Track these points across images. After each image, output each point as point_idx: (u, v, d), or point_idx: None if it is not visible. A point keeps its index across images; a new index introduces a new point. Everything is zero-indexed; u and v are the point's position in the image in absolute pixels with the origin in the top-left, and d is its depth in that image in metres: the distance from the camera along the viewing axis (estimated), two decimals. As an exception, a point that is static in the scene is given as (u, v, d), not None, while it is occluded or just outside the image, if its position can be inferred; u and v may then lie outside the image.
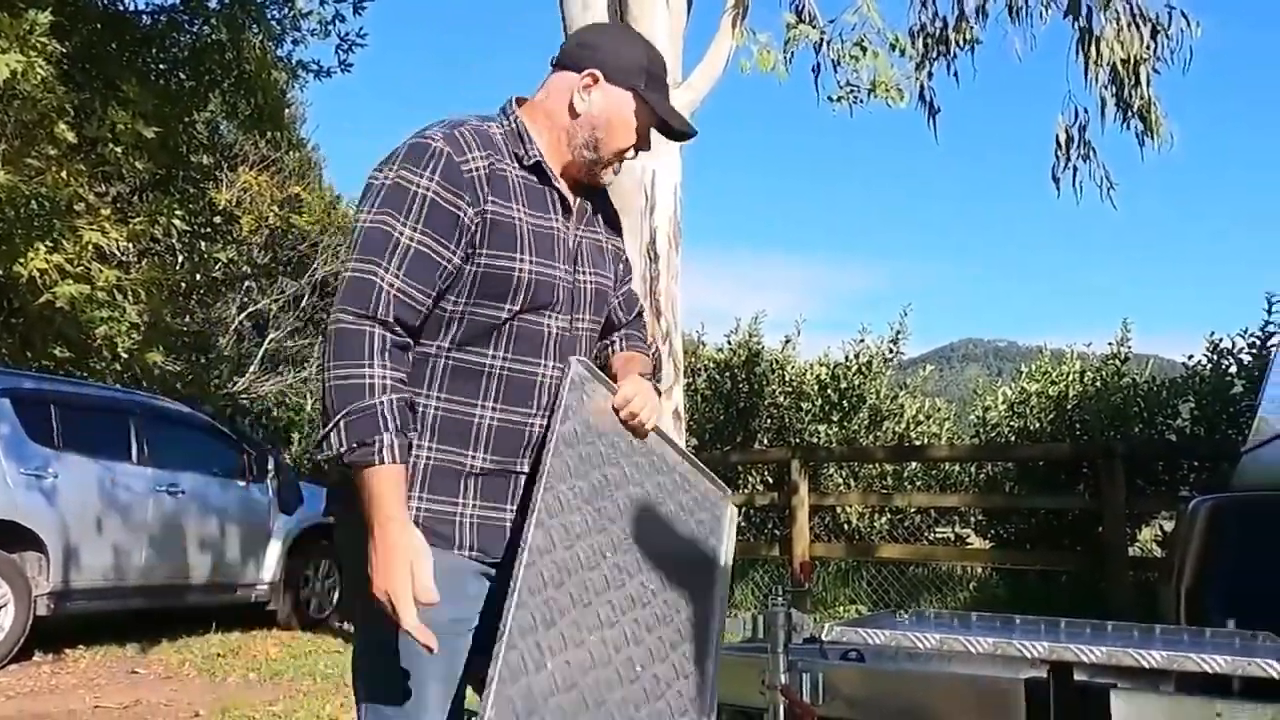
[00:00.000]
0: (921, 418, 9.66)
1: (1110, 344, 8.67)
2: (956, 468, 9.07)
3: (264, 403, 17.30)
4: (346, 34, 10.94)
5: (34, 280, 8.43)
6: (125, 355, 10.10)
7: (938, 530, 9.43)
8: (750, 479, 9.83)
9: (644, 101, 1.76)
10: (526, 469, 1.71)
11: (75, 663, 6.49)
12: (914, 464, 9.13)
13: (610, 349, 1.96)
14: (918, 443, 9.42)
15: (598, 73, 1.75)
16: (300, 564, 7.98)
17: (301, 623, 7.86)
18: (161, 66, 10.87)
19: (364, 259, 1.59)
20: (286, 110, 12.41)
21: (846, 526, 9.18)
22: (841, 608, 7.87)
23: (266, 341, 17.01)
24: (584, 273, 1.79)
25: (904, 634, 1.10)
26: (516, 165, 1.72)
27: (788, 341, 10.34)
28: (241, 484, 7.76)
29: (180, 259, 12.39)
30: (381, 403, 1.52)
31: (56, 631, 6.66)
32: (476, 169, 1.65)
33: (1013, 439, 8.58)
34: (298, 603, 7.95)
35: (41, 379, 7.27)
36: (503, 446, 1.69)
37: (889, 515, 9.02)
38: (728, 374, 10.17)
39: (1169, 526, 7.94)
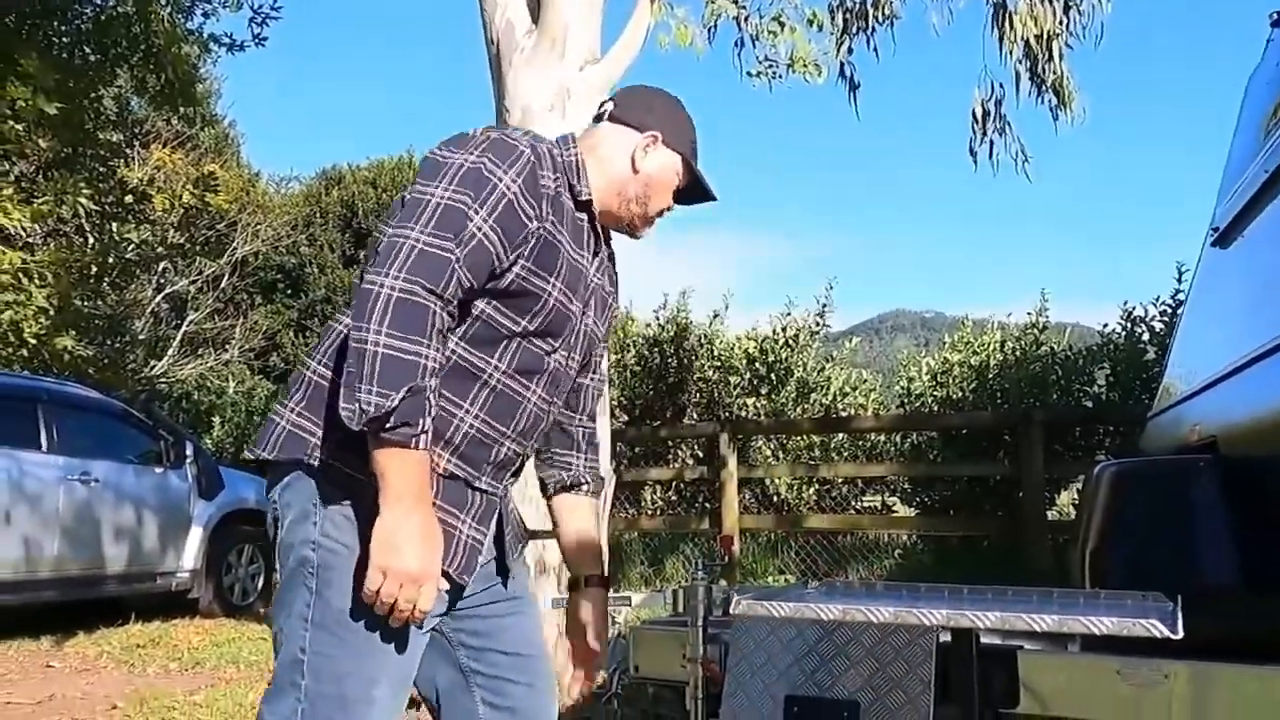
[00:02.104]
0: (848, 389, 9.77)
1: (1029, 314, 8.85)
2: (882, 438, 9.20)
3: (184, 387, 16.89)
4: (259, 6, 10.63)
5: (-68, 264, 8.12)
6: (33, 341, 9.78)
7: (865, 500, 9.57)
8: (680, 453, 9.87)
9: (689, 168, 1.87)
10: (485, 486, 1.70)
11: (-14, 658, 6.30)
12: (841, 435, 9.24)
13: (571, 471, 1.98)
14: (844, 414, 9.53)
15: (659, 135, 1.83)
16: (222, 550, 7.84)
17: (224, 610, 7.72)
18: (65, 40, 10.47)
19: (440, 234, 1.53)
20: (199, 85, 12.06)
21: (775, 498, 9.27)
22: (770, 578, 7.95)
23: (185, 324, 16.59)
24: (589, 317, 1.82)
25: (808, 605, 1.10)
26: (570, 197, 1.74)
27: (716, 316, 10.36)
28: (159, 470, 7.57)
29: (90, 240, 12.00)
30: (430, 387, 1.50)
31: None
32: (549, 187, 1.67)
33: (936, 408, 8.72)
34: (220, 589, 7.81)
35: (-57, 366, 6.99)
36: (471, 456, 1.67)
37: (817, 486, 9.13)
38: (656, 349, 10.16)
39: (1086, 491, 8.17)
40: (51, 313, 9.71)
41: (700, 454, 9.63)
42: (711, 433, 8.40)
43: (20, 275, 9.20)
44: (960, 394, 8.66)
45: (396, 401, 1.45)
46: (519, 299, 1.65)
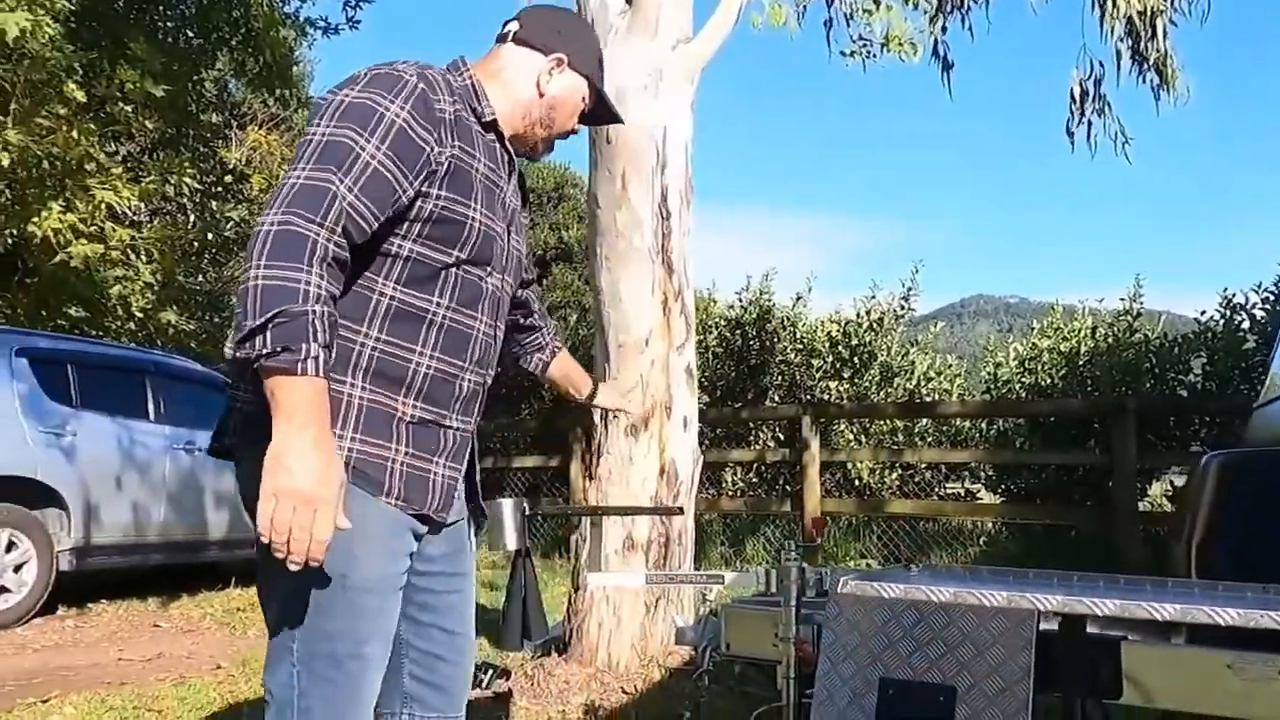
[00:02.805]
0: (932, 374, 9.65)
1: (1122, 300, 8.63)
2: (967, 424, 9.08)
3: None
4: (354, -10, 10.86)
5: (48, 240, 8.47)
6: (139, 315, 10.18)
7: (948, 486, 9.46)
8: (762, 434, 9.87)
9: (595, 91, 1.89)
10: (455, 424, 1.73)
11: (98, 616, 6.61)
12: (925, 420, 9.14)
13: (542, 343, 2.20)
14: (928, 399, 9.43)
15: (565, 57, 1.84)
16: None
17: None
18: (169, 24, 10.82)
19: (320, 168, 1.50)
20: (294, 68, 12.33)
21: (857, 482, 9.22)
22: (852, 562, 7.93)
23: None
24: (514, 237, 1.88)
25: (916, 587, 1.12)
26: (474, 120, 1.76)
27: (799, 299, 10.32)
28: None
29: (191, 218, 12.41)
30: (313, 311, 1.43)
31: (80, 587, 6.78)
32: (446, 111, 1.66)
33: (1024, 395, 8.58)
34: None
35: (58, 339, 7.33)
36: (435, 397, 1.69)
37: (899, 471, 9.05)
38: (739, 331, 10.17)
39: (1179, 482, 7.97)
40: (157, 288, 10.10)
41: (781, 436, 9.63)
42: (794, 415, 8.39)
43: (129, 251, 9.57)
44: (1049, 381, 8.50)
45: (262, 321, 1.40)
46: (444, 229, 1.65)
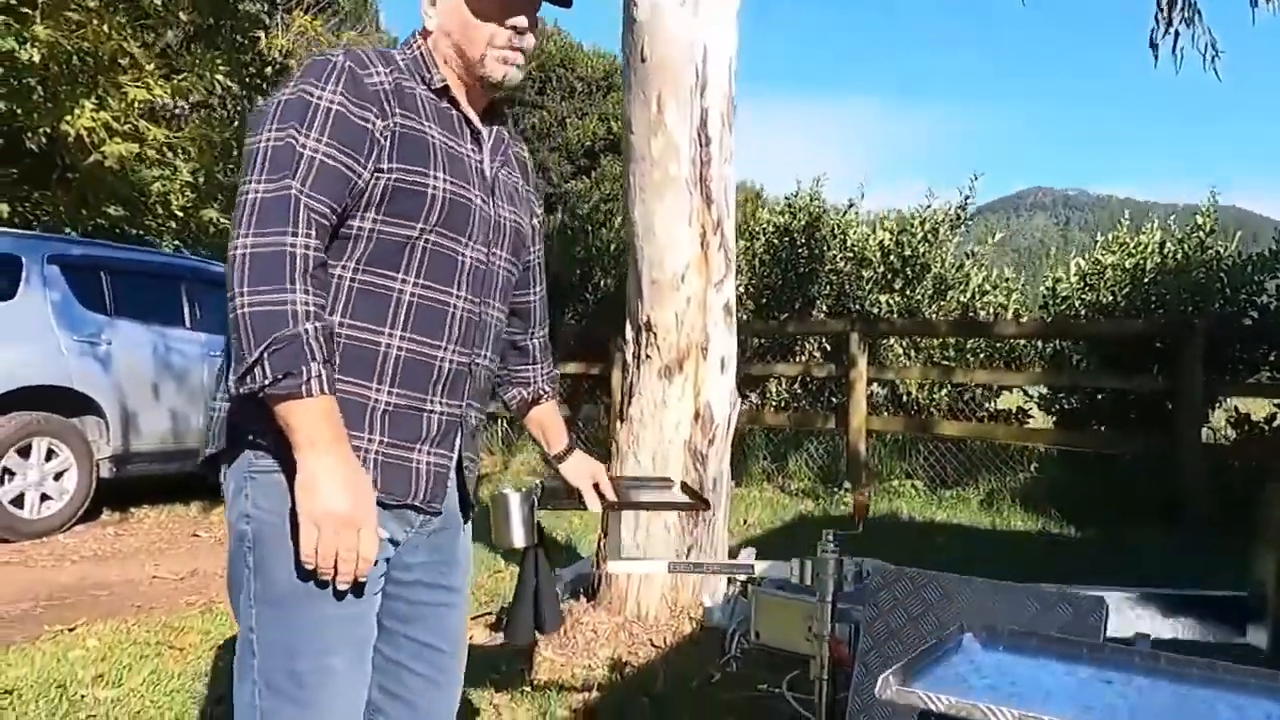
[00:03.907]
0: (988, 287, 9.28)
1: (1199, 215, 8.14)
2: (1022, 340, 8.75)
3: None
4: None
5: (81, 139, 8.32)
6: (180, 213, 10.08)
7: (999, 402, 9.18)
8: (808, 345, 9.64)
9: None
10: (440, 408, 1.62)
11: (139, 524, 6.67)
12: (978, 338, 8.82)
13: (528, 377, 1.97)
14: (983, 313, 9.09)
15: None
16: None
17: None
18: (201, -93, 10.41)
19: (274, 177, 1.45)
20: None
21: (905, 398, 8.98)
22: (897, 481, 7.75)
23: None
24: (501, 206, 1.71)
25: (974, 705, 0.91)
26: (424, 88, 1.63)
27: (850, 206, 9.93)
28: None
29: (232, 113, 12.18)
30: (307, 330, 1.40)
31: (123, 491, 6.82)
32: (381, 82, 1.56)
33: (1084, 313, 8.21)
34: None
35: (90, 245, 7.22)
36: (411, 381, 1.58)
37: (949, 387, 8.79)
38: (787, 238, 9.84)
39: (1243, 408, 7.64)
40: (197, 186, 9.98)
41: (829, 347, 9.38)
42: (842, 330, 8.12)
43: (165, 150, 9.41)
44: (1111, 299, 8.12)
45: (259, 353, 1.38)
46: (403, 202, 1.55)
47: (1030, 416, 9.06)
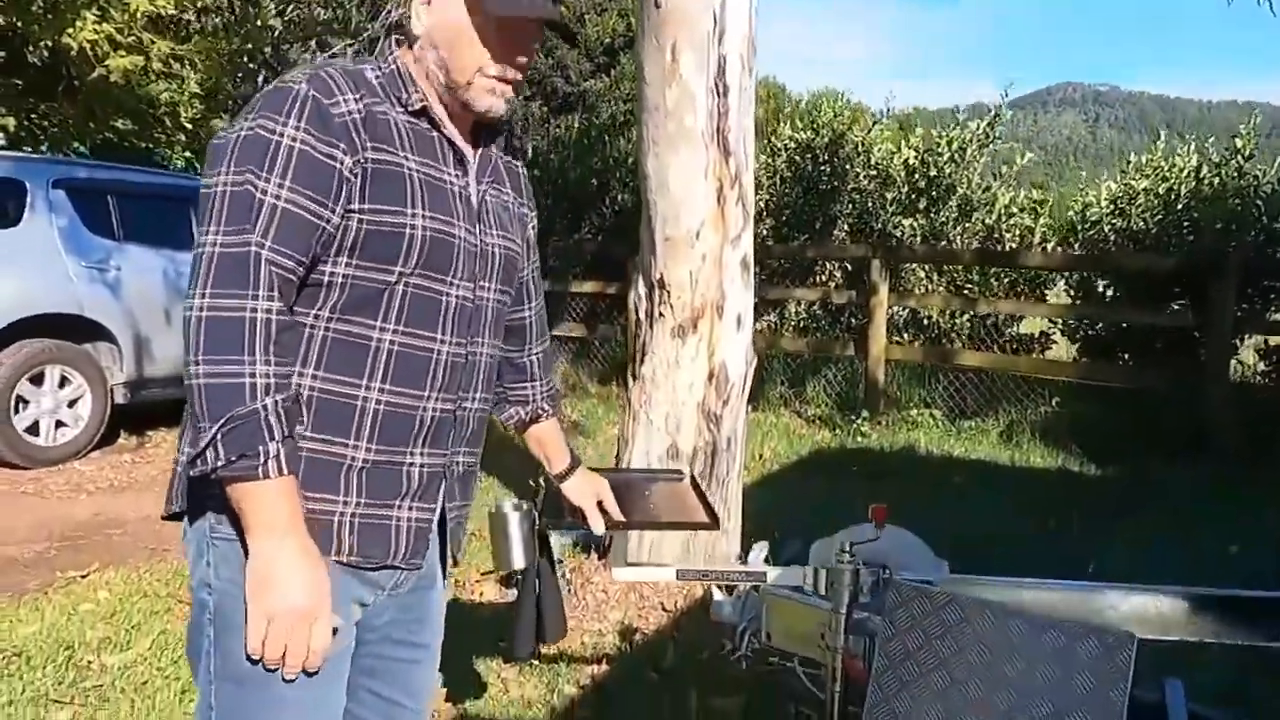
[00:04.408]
0: (1014, 210, 9.02)
1: (1238, 136, 7.83)
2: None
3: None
4: None
5: (85, 51, 8.11)
6: (189, 125, 9.89)
7: (1022, 327, 9.01)
8: (828, 267, 9.45)
9: (478, 5, 1.46)
10: (420, 460, 1.50)
11: (156, 448, 6.69)
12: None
13: (527, 396, 1.85)
14: (1008, 235, 8.85)
15: None
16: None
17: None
18: None
19: (231, 229, 1.31)
20: None
21: (926, 322, 8.83)
22: (915, 411, 7.65)
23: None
24: (489, 234, 1.56)
25: None
26: (400, 110, 1.46)
27: (875, 123, 9.62)
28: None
29: (239, 18, 11.85)
30: (265, 406, 1.29)
31: (140, 416, 6.81)
32: (350, 112, 1.40)
33: (1113, 239, 7.99)
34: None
35: (95, 167, 7.07)
36: (390, 435, 1.46)
37: (971, 314, 8.62)
38: (808, 155, 9.57)
39: (1273, 340, 7.46)
40: (205, 97, 9.77)
41: (849, 268, 9.20)
42: (863, 255, 7.94)
43: (172, 61, 9.18)
44: (1143, 225, 7.88)
45: (213, 433, 1.27)
46: (379, 245, 1.41)
47: (1054, 342, 8.91)
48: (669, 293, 3.55)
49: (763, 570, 2.11)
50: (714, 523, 1.90)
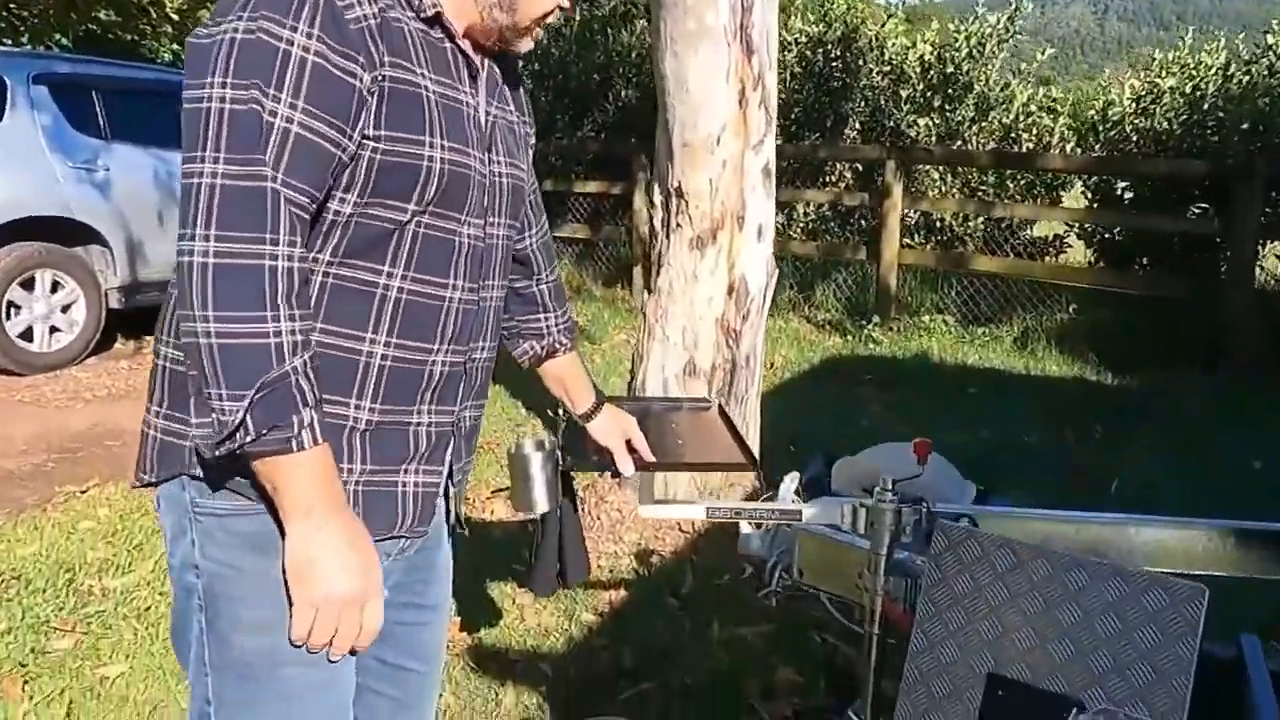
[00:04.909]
0: (1032, 108, 8.72)
1: (1269, 32, 7.50)
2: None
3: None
4: None
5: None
6: (175, 15, 9.52)
7: (1036, 230, 8.79)
8: (838, 167, 9.20)
9: None
10: (428, 419, 1.34)
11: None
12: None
13: (541, 329, 1.67)
14: (1025, 134, 8.58)
15: None
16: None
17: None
18: None
19: (239, 158, 1.10)
20: None
21: (939, 224, 8.61)
22: (928, 317, 7.50)
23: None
24: (499, 163, 1.37)
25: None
26: (411, 15, 1.24)
27: (890, 17, 9.24)
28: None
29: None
30: (294, 368, 1.12)
31: (137, 321, 6.65)
32: (365, 16, 1.17)
33: (1136, 140, 7.72)
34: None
35: (78, 61, 6.76)
36: (397, 393, 1.29)
37: (986, 217, 8.40)
38: (820, 50, 9.22)
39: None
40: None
41: (860, 169, 8.95)
42: (876, 157, 7.69)
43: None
44: (1166, 125, 7.61)
45: (244, 405, 1.08)
46: (392, 179, 1.21)
47: (1069, 246, 8.71)
48: (687, 202, 3.36)
49: (798, 509, 1.98)
50: (751, 463, 1.76)
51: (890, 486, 1.94)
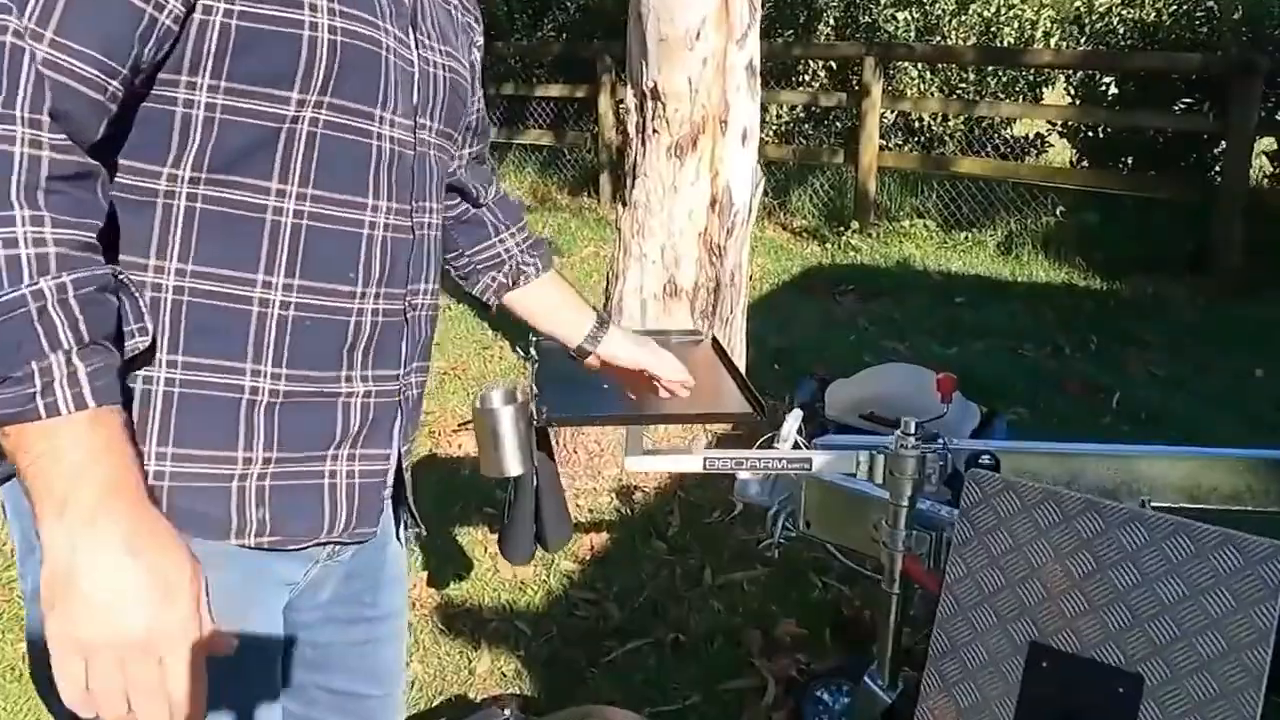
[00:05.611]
0: (1015, 1, 8.32)
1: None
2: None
3: None
4: None
5: None
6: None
7: (1017, 129, 8.48)
8: (812, 66, 8.79)
9: None
10: (360, 387, 1.03)
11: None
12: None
13: (499, 256, 1.37)
14: (1008, 30, 8.20)
15: None
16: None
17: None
18: None
19: None
20: None
21: (918, 125, 8.28)
22: (908, 222, 7.23)
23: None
24: (429, 49, 1.04)
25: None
26: None
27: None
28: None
29: None
30: (48, 289, 0.76)
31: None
32: None
33: (1124, 34, 7.38)
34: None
35: None
36: (308, 352, 0.97)
37: (967, 118, 8.08)
38: (793, -62, 8.74)
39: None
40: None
41: (835, 66, 8.55)
42: (855, 55, 7.33)
43: None
44: (1155, 17, 7.27)
45: None
46: (260, 54, 0.88)
47: (1050, 145, 8.42)
48: (664, 104, 3.04)
49: (807, 455, 1.74)
50: (759, 410, 1.50)
51: (914, 431, 1.69)
